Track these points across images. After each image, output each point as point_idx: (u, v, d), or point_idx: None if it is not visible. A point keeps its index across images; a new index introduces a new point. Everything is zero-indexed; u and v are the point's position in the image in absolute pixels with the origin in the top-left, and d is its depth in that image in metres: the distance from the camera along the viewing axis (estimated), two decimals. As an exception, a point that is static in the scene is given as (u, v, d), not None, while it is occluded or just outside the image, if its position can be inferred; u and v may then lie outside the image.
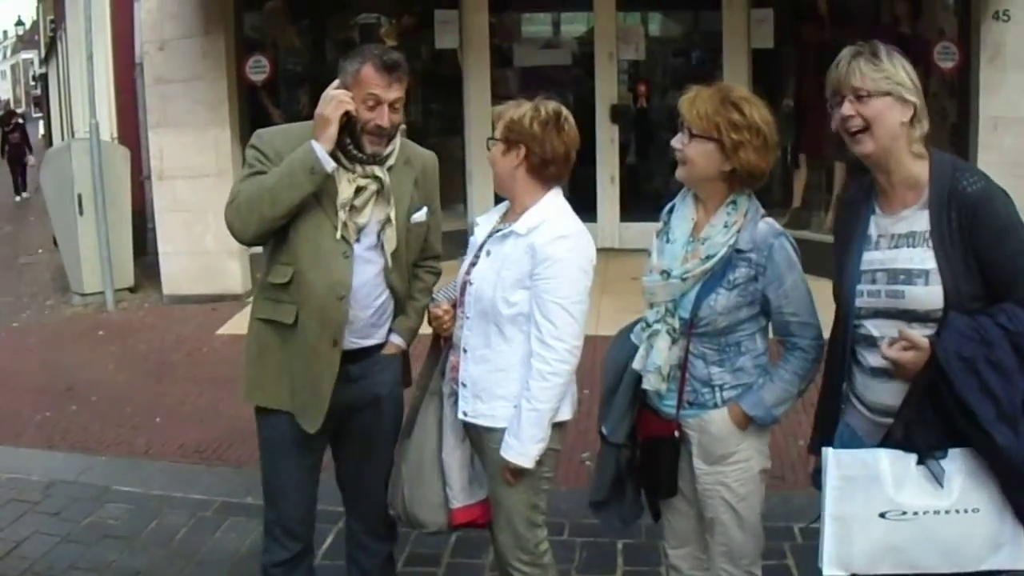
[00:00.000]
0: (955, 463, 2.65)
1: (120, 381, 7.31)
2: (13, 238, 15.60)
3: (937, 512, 2.65)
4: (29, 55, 60.73)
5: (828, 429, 3.00)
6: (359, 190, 3.37)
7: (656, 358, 3.15)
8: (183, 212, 9.24)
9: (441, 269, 3.77)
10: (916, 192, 2.76)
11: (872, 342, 2.81)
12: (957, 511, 2.64)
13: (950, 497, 2.64)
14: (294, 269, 3.38)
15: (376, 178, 3.39)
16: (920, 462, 2.67)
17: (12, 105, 46.66)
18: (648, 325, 3.19)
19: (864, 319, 2.83)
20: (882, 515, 2.67)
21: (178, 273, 9.45)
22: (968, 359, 2.57)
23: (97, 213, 9.52)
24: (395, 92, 3.33)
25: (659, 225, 3.30)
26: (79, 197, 9.66)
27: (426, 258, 3.71)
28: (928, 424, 2.66)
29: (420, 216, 3.56)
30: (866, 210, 2.88)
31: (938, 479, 2.65)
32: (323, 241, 3.36)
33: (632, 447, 3.34)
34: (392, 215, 3.43)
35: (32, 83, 56.06)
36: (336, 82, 3.34)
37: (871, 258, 2.82)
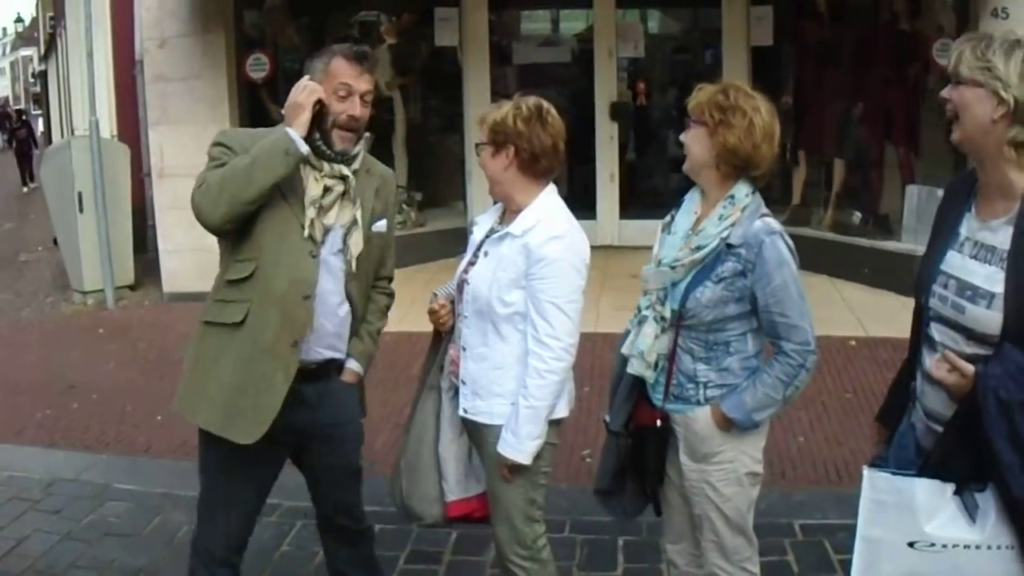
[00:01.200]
0: (993, 497, 2.52)
1: (120, 379, 7.33)
2: (14, 235, 15.59)
3: (967, 546, 2.53)
4: (28, 52, 60.68)
5: (890, 411, 3.00)
6: (326, 190, 3.34)
7: (641, 343, 3.18)
8: (183, 210, 9.03)
9: (394, 291, 3.73)
10: (1008, 204, 2.57)
11: (933, 345, 2.70)
12: (989, 547, 2.52)
13: (983, 532, 2.52)
14: (256, 264, 3.30)
15: (343, 178, 3.37)
16: (957, 492, 2.56)
17: (12, 102, 47.02)
18: (639, 311, 3.23)
19: (931, 320, 2.72)
20: (911, 544, 2.57)
21: (178, 271, 9.45)
22: (1005, 402, 2.44)
23: (97, 210, 9.52)
24: (365, 83, 3.35)
25: (666, 219, 3.33)
26: (79, 195, 9.66)
27: (380, 278, 3.66)
28: (966, 455, 2.54)
29: (381, 226, 3.53)
30: (963, 205, 2.72)
31: (971, 513, 2.54)
32: (290, 237, 3.30)
33: (628, 436, 3.37)
34: (358, 216, 3.40)
35: (31, 80, 56.04)
36: (305, 77, 3.34)
37: (952, 259, 2.67)
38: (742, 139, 3.08)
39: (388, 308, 3.69)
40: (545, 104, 3.39)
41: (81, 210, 9.69)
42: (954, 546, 2.54)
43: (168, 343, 8.16)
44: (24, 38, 62.69)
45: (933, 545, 2.55)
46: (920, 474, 2.63)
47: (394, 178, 3.70)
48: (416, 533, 4.56)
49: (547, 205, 3.39)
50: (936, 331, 2.70)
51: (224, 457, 3.40)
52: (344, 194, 3.38)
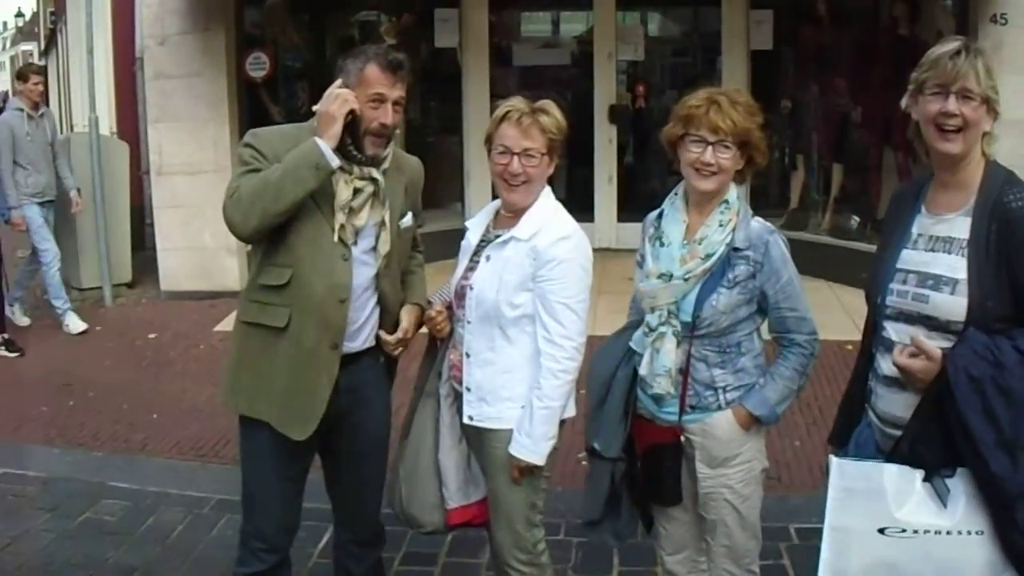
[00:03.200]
0: (962, 483, 2.57)
1: (117, 377, 7.32)
2: (10, 232, 15.53)
3: (938, 532, 2.57)
4: (28, 47, 60.49)
5: (842, 429, 3.02)
6: (356, 192, 3.35)
7: (665, 360, 3.16)
8: (181, 208, 9.23)
9: (423, 253, 3.80)
10: (963, 197, 2.68)
11: (890, 347, 2.74)
12: (959, 532, 2.56)
13: (953, 517, 2.56)
14: (293, 271, 3.34)
15: (373, 180, 3.38)
16: (926, 479, 2.60)
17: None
18: (652, 329, 3.19)
19: (888, 320, 2.77)
20: (881, 531, 2.60)
21: (176, 269, 9.45)
22: (977, 379, 2.50)
23: (95, 208, 9.49)
24: (398, 91, 3.34)
25: (649, 231, 3.32)
26: (78, 191, 9.63)
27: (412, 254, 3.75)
28: (935, 440, 2.58)
29: (407, 222, 3.56)
30: (912, 207, 2.81)
31: (942, 498, 2.58)
32: (322, 243, 3.33)
33: (629, 459, 3.35)
34: (387, 218, 3.42)
35: (31, 76, 55.92)
36: (338, 81, 3.33)
37: (907, 257, 2.75)
38: (767, 156, 3.20)
39: (422, 265, 3.76)
40: None
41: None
42: (925, 532, 2.58)
43: (165, 342, 8.16)
44: (24, 33, 62.50)
45: (904, 531, 2.59)
46: (889, 460, 2.67)
47: (421, 168, 3.71)
48: (411, 535, 4.55)
49: (550, 207, 3.40)
50: (893, 331, 2.75)
51: (264, 449, 3.47)
52: (374, 195, 3.40)
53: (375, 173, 3.38)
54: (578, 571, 4.48)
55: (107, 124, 11.81)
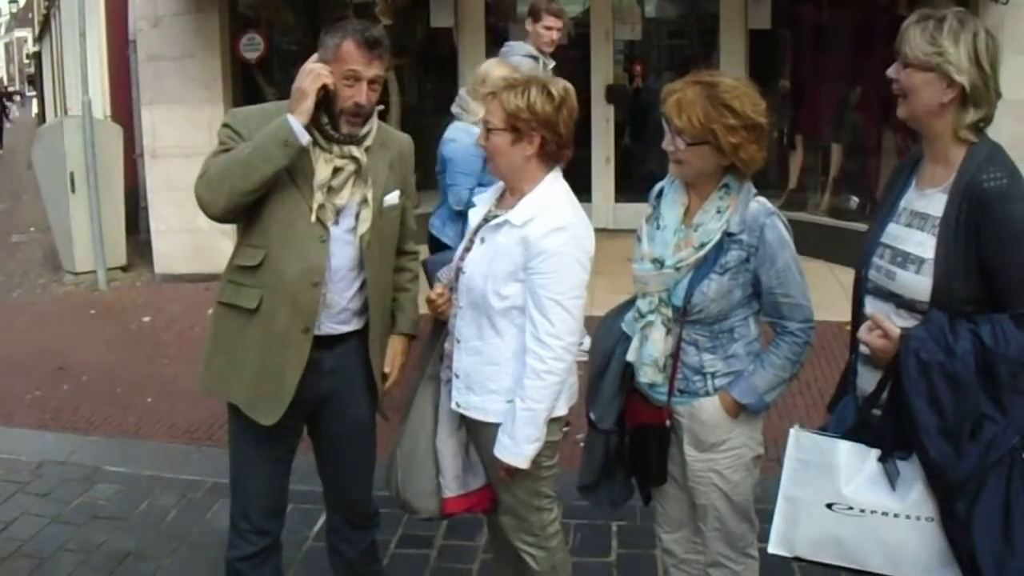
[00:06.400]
0: (916, 467, 2.54)
1: (111, 360, 7.28)
2: (5, 216, 15.51)
3: (885, 514, 2.57)
4: (23, 33, 60.39)
5: (837, 400, 3.00)
6: (336, 171, 3.27)
7: (652, 350, 3.10)
8: (176, 190, 9.15)
9: (419, 251, 3.73)
10: (945, 174, 2.62)
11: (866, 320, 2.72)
12: (908, 516, 2.55)
13: (902, 501, 2.56)
14: (265, 252, 3.27)
15: (354, 158, 3.29)
16: (882, 460, 2.60)
17: (7, 83, 48.16)
18: (641, 315, 3.13)
19: (868, 294, 2.76)
20: (828, 505, 2.63)
21: (170, 252, 9.42)
22: (925, 362, 2.47)
23: (89, 191, 9.45)
24: (374, 69, 3.23)
25: (648, 210, 3.25)
26: (71, 175, 9.58)
27: (403, 253, 3.64)
28: (891, 420, 2.57)
29: (392, 199, 3.45)
30: (906, 180, 2.78)
31: (891, 480, 2.57)
32: (298, 224, 3.25)
33: (621, 433, 3.31)
34: (369, 196, 3.33)
35: (26, 61, 55.87)
36: (315, 56, 3.25)
37: (890, 230, 2.73)
38: (760, 148, 3.04)
39: (417, 276, 3.69)
40: (570, 87, 3.23)
41: (73, 190, 9.62)
42: (872, 512, 2.59)
43: (159, 325, 8.12)
44: (18, 19, 62.32)
45: (851, 509, 2.61)
46: (845, 437, 2.68)
47: (411, 145, 3.59)
48: (407, 517, 4.52)
49: (551, 192, 3.21)
50: (869, 304, 2.74)
51: (247, 430, 3.43)
52: (356, 173, 3.31)
53: (356, 151, 3.29)
54: (576, 553, 4.41)
55: (101, 107, 11.74)
